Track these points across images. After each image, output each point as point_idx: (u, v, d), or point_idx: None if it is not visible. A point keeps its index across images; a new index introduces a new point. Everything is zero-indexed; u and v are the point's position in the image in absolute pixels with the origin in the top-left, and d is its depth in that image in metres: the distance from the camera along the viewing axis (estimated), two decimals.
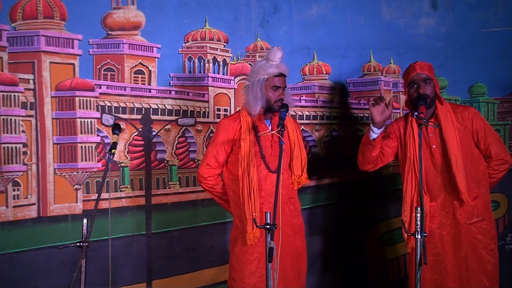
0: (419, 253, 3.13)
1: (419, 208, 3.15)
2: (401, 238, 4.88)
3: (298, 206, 3.92)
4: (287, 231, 3.76)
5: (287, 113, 3.65)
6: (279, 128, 3.41)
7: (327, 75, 4.89)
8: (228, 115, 4.67)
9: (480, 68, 4.97)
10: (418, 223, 3.15)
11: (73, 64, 4.33)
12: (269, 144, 3.80)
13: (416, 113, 3.65)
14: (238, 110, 4.23)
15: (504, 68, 4.99)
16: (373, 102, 3.81)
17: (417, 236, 3.13)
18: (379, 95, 3.82)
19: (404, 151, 3.95)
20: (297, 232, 3.85)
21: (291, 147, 3.83)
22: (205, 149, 4.63)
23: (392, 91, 5.00)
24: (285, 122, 3.63)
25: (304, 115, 4.85)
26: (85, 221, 3.13)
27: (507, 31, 4.97)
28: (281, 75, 3.76)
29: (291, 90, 4.76)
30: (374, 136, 3.85)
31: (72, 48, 4.33)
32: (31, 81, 4.24)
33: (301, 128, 4.48)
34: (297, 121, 4.41)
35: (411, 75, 3.84)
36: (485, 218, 3.86)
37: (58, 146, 4.30)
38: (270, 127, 3.82)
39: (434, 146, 3.85)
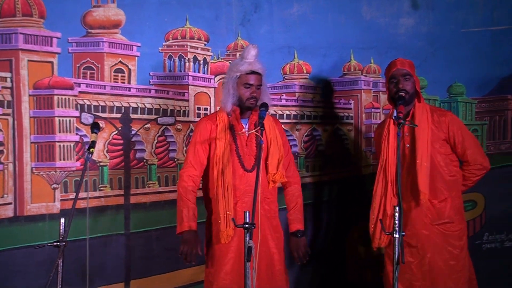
0: (397, 252, 3.14)
1: (397, 208, 3.16)
2: None
3: (274, 207, 3.85)
4: (261, 232, 3.74)
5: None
6: (259, 127, 3.40)
7: (308, 74, 4.90)
8: (209, 114, 4.65)
9: (459, 68, 5.02)
10: (397, 222, 3.16)
11: (51, 62, 4.29)
12: (244, 143, 3.79)
13: (394, 115, 3.68)
14: (218, 109, 4.21)
15: (483, 68, 5.03)
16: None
17: (395, 235, 3.15)
18: None
19: (378, 151, 3.99)
20: (271, 233, 3.83)
21: (268, 145, 3.80)
22: (185, 148, 4.62)
23: (372, 91, 5.02)
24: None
25: (285, 114, 4.85)
26: (62, 220, 3.10)
27: (486, 31, 5.02)
28: (254, 73, 3.72)
29: (271, 89, 4.75)
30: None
31: (51, 46, 4.29)
32: (8, 79, 4.19)
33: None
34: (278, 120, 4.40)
35: (392, 70, 3.87)
36: (454, 221, 3.84)
37: (36, 145, 4.26)
38: (247, 126, 3.81)
39: (408, 145, 3.85)
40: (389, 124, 3.87)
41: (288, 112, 4.85)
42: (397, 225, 3.15)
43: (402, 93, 3.76)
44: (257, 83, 3.72)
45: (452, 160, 3.89)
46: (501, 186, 5.12)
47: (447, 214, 3.82)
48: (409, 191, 3.83)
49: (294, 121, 4.88)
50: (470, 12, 5.00)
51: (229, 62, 4.71)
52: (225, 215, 3.63)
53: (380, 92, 5.02)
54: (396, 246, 3.14)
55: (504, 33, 5.03)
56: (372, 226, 3.88)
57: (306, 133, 4.92)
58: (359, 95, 5.01)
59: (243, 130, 3.78)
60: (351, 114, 5.01)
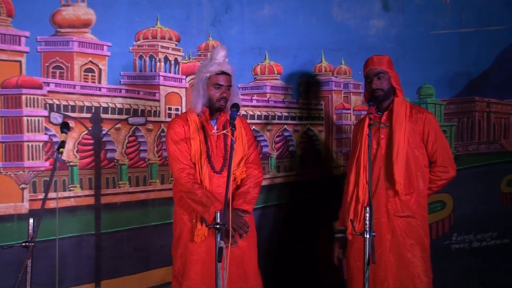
0: (367, 252, 3.16)
1: (368, 208, 3.19)
2: None
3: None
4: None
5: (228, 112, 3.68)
6: (230, 127, 3.40)
7: (279, 75, 4.91)
8: (179, 114, 4.65)
9: (429, 69, 5.07)
10: (367, 222, 3.18)
11: (19, 61, 4.25)
12: (214, 144, 3.79)
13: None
14: (187, 110, 4.20)
15: (451, 70, 5.09)
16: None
17: (365, 236, 3.17)
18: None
19: (354, 144, 4.08)
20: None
21: (235, 144, 3.79)
22: (155, 148, 4.61)
23: (343, 92, 5.05)
24: (227, 119, 3.68)
25: (256, 115, 4.86)
26: (31, 220, 3.09)
27: (454, 34, 5.08)
28: (224, 73, 3.73)
29: (242, 89, 4.77)
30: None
31: (19, 45, 4.25)
32: None
33: (252, 128, 4.47)
34: (249, 120, 4.42)
35: (366, 70, 3.94)
36: (416, 216, 3.90)
37: (4, 145, 4.22)
38: (215, 127, 3.81)
39: (382, 136, 3.93)
40: (365, 121, 3.93)
41: (259, 113, 4.86)
42: (367, 225, 3.18)
43: (376, 93, 3.86)
44: (226, 84, 3.73)
45: (424, 158, 3.95)
46: (469, 187, 5.19)
47: (410, 207, 3.87)
48: (382, 182, 3.91)
49: (265, 121, 4.89)
50: (438, 14, 5.05)
51: (200, 63, 4.72)
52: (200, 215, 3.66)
53: (351, 93, 5.05)
54: (367, 246, 3.16)
55: (471, 35, 5.09)
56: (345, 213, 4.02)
57: (277, 134, 4.93)
58: (330, 96, 5.03)
59: (213, 130, 3.78)
60: (322, 115, 5.04)
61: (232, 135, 3.37)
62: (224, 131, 3.71)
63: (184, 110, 4.70)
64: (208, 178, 3.73)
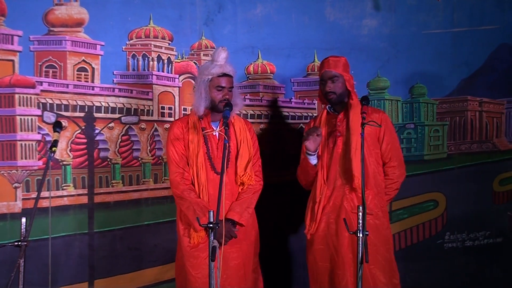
0: (360, 251, 3.17)
1: (360, 207, 3.20)
2: None
3: None
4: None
5: (232, 113, 3.68)
6: (223, 126, 3.42)
7: (272, 75, 4.92)
8: (172, 113, 4.67)
9: (421, 69, 5.07)
10: (360, 221, 3.19)
11: (12, 60, 4.26)
12: (215, 146, 3.81)
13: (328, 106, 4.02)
14: (189, 111, 4.23)
15: (443, 69, 5.09)
16: (305, 136, 3.88)
17: (358, 235, 3.18)
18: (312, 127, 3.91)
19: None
20: (244, 233, 3.84)
21: (238, 146, 3.84)
22: (148, 147, 4.62)
23: None
24: (232, 121, 3.67)
25: (249, 114, 4.87)
26: (23, 220, 3.09)
27: (446, 33, 5.08)
28: (226, 75, 3.75)
29: None
30: (314, 161, 3.96)
31: (12, 44, 4.26)
32: None
33: None
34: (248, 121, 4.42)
35: (321, 71, 3.97)
36: (373, 213, 3.89)
37: None
38: (217, 129, 3.82)
39: (339, 135, 3.96)
40: (322, 116, 4.06)
41: (252, 112, 4.87)
42: (360, 224, 3.19)
43: (329, 96, 3.92)
44: (228, 85, 3.76)
45: (379, 157, 3.99)
46: (462, 186, 5.20)
47: (367, 204, 3.84)
48: (339, 180, 3.93)
49: (258, 121, 4.90)
50: (430, 14, 5.06)
51: (194, 62, 4.74)
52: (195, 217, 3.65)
53: None
54: (360, 245, 3.17)
55: (463, 35, 5.10)
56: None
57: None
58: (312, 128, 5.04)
59: (207, 130, 3.79)
60: (315, 114, 5.04)
61: (226, 134, 3.38)
62: (217, 130, 3.72)
63: (177, 110, 4.71)
64: (208, 180, 3.76)
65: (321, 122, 4.06)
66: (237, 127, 3.87)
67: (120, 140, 4.57)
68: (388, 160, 4.00)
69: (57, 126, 3.41)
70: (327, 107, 4.09)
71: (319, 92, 4.08)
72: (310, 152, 3.93)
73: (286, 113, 4.98)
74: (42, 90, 4.33)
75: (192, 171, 3.76)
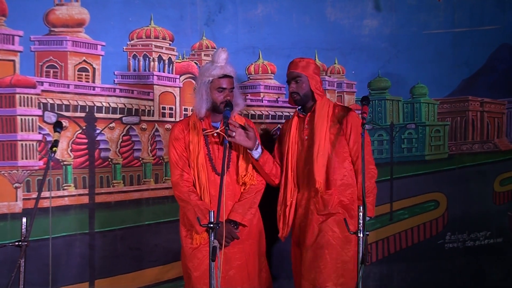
0: (361, 251, 3.18)
1: (361, 207, 3.20)
2: None
3: None
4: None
5: (232, 113, 3.71)
6: (224, 126, 3.42)
7: (273, 75, 4.92)
8: (173, 113, 4.67)
9: (422, 69, 5.07)
10: (361, 221, 3.19)
11: (13, 60, 4.27)
12: (216, 147, 3.81)
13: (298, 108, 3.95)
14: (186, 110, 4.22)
15: (444, 69, 5.10)
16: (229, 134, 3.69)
17: (359, 235, 3.18)
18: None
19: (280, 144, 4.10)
20: (247, 233, 3.84)
21: (239, 146, 3.84)
22: (149, 147, 4.62)
23: (336, 91, 5.06)
24: (232, 121, 3.67)
25: (250, 114, 4.87)
26: (24, 220, 3.10)
27: (447, 33, 5.08)
28: (226, 76, 3.75)
29: None
30: (256, 156, 3.85)
31: (13, 44, 4.26)
32: None
33: None
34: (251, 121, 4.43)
35: (287, 73, 3.96)
36: (339, 213, 3.85)
37: None
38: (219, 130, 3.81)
39: (306, 137, 3.95)
40: (293, 117, 4.05)
41: (253, 112, 4.87)
42: (361, 224, 3.19)
43: (293, 96, 3.91)
44: (229, 87, 3.76)
45: (346, 158, 3.93)
46: (463, 186, 5.20)
47: (331, 205, 3.83)
48: (306, 181, 3.93)
49: (259, 121, 4.89)
50: (431, 14, 5.06)
51: (195, 62, 4.74)
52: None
53: (344, 93, 5.06)
54: (360, 245, 3.17)
55: (464, 35, 5.10)
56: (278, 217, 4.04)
57: (271, 133, 4.94)
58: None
59: (208, 130, 3.79)
60: None
61: (226, 134, 3.38)
62: (218, 130, 3.72)
63: (178, 110, 4.71)
64: (209, 181, 3.76)
65: (292, 124, 4.04)
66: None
67: (121, 140, 4.57)
68: (356, 159, 3.92)
69: (57, 126, 3.43)
70: (297, 108, 4.07)
71: (288, 93, 4.05)
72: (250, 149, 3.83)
73: (287, 113, 4.98)
74: (43, 90, 4.34)
75: (193, 172, 3.77)
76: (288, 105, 4.88)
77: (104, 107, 4.51)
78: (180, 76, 4.73)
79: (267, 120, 4.92)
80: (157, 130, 4.65)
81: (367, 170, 3.85)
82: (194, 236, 3.76)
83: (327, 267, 3.75)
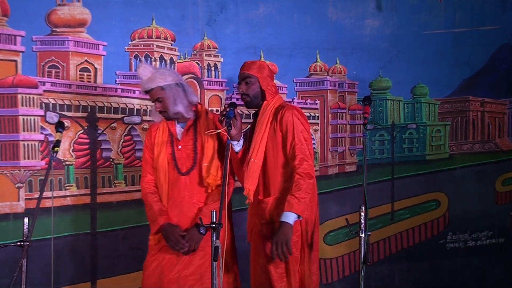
0: (362, 251, 3.18)
1: (362, 207, 3.20)
2: (345, 237, 4.99)
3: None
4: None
5: (173, 114, 3.65)
6: (226, 126, 3.41)
7: (274, 75, 4.91)
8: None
9: (422, 69, 5.08)
10: (362, 222, 3.19)
11: (15, 60, 4.28)
12: (181, 148, 3.73)
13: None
14: None
15: (445, 69, 5.10)
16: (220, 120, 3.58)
17: (361, 235, 3.18)
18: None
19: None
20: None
21: (203, 145, 3.72)
22: None
23: (338, 91, 5.06)
24: (199, 120, 3.67)
25: (251, 114, 4.87)
26: (26, 220, 3.11)
27: (448, 33, 5.09)
28: (148, 91, 3.66)
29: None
30: (237, 148, 3.68)
31: (15, 44, 4.27)
32: None
33: (247, 127, 4.45)
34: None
35: (238, 75, 3.78)
36: (276, 222, 3.52)
37: (0, 144, 4.25)
38: (180, 130, 3.75)
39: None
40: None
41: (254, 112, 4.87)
42: (363, 224, 3.19)
43: (243, 98, 3.70)
44: (153, 98, 3.67)
45: (286, 162, 3.64)
46: (464, 186, 5.21)
47: (266, 214, 3.61)
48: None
49: None
50: (432, 14, 5.07)
51: (196, 62, 4.75)
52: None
53: (346, 93, 5.07)
54: (362, 245, 3.18)
55: (465, 35, 5.11)
56: None
57: None
58: (325, 95, 5.05)
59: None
60: (317, 114, 5.06)
61: (229, 134, 3.37)
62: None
63: None
64: (171, 181, 3.70)
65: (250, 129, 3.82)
66: (204, 125, 3.74)
67: (122, 140, 4.58)
68: (292, 161, 3.55)
69: (59, 126, 3.43)
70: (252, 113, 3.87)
71: None
72: (232, 139, 3.60)
73: None
74: (44, 90, 4.35)
75: (157, 173, 3.73)
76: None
77: (105, 107, 4.52)
78: (181, 76, 4.73)
79: None
80: None
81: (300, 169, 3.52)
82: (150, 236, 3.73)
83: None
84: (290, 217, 3.41)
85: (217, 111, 4.45)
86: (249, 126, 4.14)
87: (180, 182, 3.67)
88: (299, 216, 3.45)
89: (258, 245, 3.66)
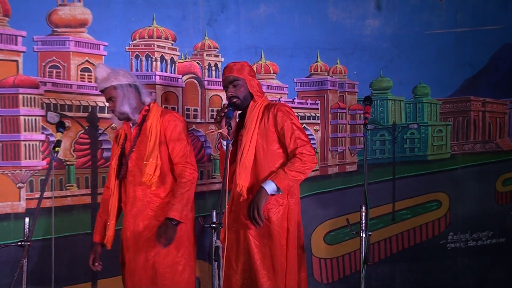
0: (363, 251, 3.18)
1: (363, 207, 3.20)
2: (346, 237, 4.98)
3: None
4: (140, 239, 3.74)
5: (118, 114, 3.72)
6: (226, 126, 3.41)
7: (275, 75, 4.93)
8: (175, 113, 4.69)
9: (424, 69, 5.07)
10: (363, 221, 3.19)
11: (16, 61, 4.29)
12: (127, 152, 3.77)
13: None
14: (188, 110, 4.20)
15: (446, 69, 5.09)
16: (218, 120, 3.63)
17: (361, 235, 3.18)
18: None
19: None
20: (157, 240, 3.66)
21: (148, 145, 3.71)
22: None
23: (338, 91, 5.06)
24: (146, 121, 3.70)
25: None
26: (27, 220, 3.12)
27: (449, 33, 5.08)
28: (103, 91, 3.73)
29: None
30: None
31: (16, 44, 4.28)
32: None
33: None
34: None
35: (223, 78, 3.77)
36: (268, 216, 3.62)
37: (1, 144, 4.26)
38: (132, 130, 3.78)
39: (240, 143, 3.73)
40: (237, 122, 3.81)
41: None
42: (363, 224, 3.19)
43: (233, 101, 3.68)
44: (107, 97, 3.73)
45: (279, 155, 3.70)
46: (465, 186, 5.20)
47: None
48: (234, 185, 3.71)
49: None
50: (433, 14, 5.05)
51: (197, 62, 4.75)
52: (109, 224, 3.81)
53: (346, 93, 5.06)
54: (363, 245, 3.18)
55: (466, 35, 5.09)
56: None
57: None
58: (325, 95, 5.05)
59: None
60: (317, 114, 5.05)
61: (228, 134, 3.37)
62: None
63: (180, 110, 4.72)
64: (115, 185, 3.79)
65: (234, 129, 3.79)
66: (150, 123, 3.73)
67: None
68: (295, 147, 3.62)
69: (60, 126, 3.44)
70: (237, 113, 3.84)
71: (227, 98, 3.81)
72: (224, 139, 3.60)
73: None
74: (45, 91, 4.35)
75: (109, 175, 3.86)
76: (291, 105, 4.90)
77: (106, 107, 4.52)
78: (182, 76, 4.74)
79: None
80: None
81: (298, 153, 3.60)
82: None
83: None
84: (269, 186, 3.53)
85: (217, 111, 4.43)
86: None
87: (129, 181, 3.75)
88: (278, 189, 3.54)
89: (239, 241, 3.68)
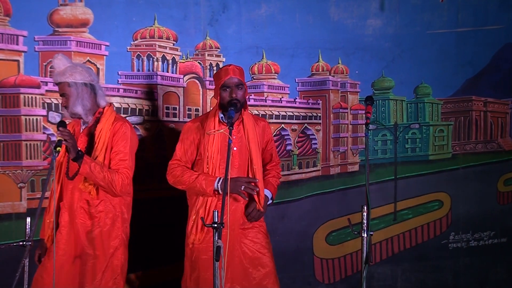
0: (365, 251, 3.17)
1: (365, 207, 3.19)
2: (348, 237, 4.99)
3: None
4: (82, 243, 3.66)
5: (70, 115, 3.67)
6: (228, 126, 3.41)
7: (276, 74, 4.92)
8: (177, 113, 4.68)
9: (425, 69, 5.08)
10: (365, 221, 3.19)
11: (17, 60, 4.28)
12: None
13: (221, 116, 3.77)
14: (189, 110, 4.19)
15: (447, 69, 5.10)
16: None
17: (363, 235, 3.18)
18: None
19: (196, 151, 3.85)
20: (88, 246, 3.66)
21: (94, 149, 3.64)
22: (153, 147, 4.63)
23: (340, 91, 5.06)
24: (99, 124, 3.63)
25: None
26: (28, 220, 3.10)
27: (451, 33, 5.08)
28: (58, 84, 3.64)
29: None
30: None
31: (17, 44, 4.27)
32: None
33: None
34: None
35: (224, 78, 3.72)
36: (255, 226, 3.84)
37: (2, 144, 4.25)
38: (81, 130, 3.73)
39: (235, 148, 3.76)
40: (214, 123, 3.79)
41: (256, 112, 4.87)
42: (365, 224, 3.19)
43: (235, 103, 3.67)
44: (61, 93, 3.65)
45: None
46: (467, 186, 5.21)
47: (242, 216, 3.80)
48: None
49: None
50: (435, 14, 5.06)
51: (198, 62, 4.75)
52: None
53: (348, 92, 5.06)
54: (364, 245, 3.17)
55: (468, 35, 5.10)
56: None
57: (274, 133, 4.94)
58: (327, 95, 5.05)
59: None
60: (319, 114, 5.05)
61: (230, 134, 3.37)
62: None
63: (181, 110, 4.71)
64: (65, 184, 3.69)
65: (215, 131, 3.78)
66: (99, 128, 3.66)
67: None
68: (272, 159, 4.02)
69: (61, 126, 3.43)
70: (220, 115, 3.79)
71: (217, 99, 3.77)
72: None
73: (291, 113, 4.99)
74: (47, 90, 4.35)
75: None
76: (292, 104, 4.91)
77: None
78: (184, 76, 4.74)
79: (271, 120, 4.92)
80: (161, 130, 4.65)
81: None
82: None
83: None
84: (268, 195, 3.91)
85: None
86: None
87: (69, 186, 3.66)
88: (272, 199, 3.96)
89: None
